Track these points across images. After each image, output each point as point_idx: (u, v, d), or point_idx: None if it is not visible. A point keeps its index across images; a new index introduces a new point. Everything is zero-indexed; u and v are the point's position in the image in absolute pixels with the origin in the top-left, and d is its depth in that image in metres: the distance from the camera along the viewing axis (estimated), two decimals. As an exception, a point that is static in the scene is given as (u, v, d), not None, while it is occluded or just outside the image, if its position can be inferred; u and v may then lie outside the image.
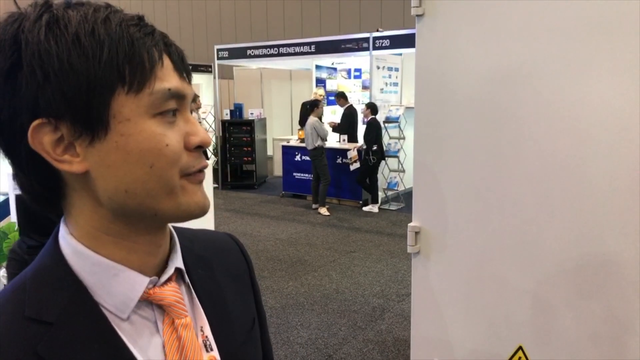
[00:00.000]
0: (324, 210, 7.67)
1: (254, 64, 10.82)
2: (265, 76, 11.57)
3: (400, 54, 8.56)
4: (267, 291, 4.67)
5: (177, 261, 0.62)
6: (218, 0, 13.20)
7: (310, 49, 8.82)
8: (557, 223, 1.60)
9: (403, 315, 4.18)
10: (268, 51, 9.35)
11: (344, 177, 8.17)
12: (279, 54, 9.23)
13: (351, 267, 5.34)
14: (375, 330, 3.95)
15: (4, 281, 2.63)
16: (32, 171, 0.54)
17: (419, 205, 1.90)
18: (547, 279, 1.64)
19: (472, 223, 1.78)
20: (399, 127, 7.83)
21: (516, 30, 1.61)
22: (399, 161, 7.90)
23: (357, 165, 7.78)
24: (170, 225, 0.63)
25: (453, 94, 1.75)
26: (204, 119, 9.89)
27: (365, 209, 7.88)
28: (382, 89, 8.38)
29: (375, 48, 8.01)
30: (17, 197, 2.57)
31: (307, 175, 8.52)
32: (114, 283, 0.56)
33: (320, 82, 10.01)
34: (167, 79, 0.54)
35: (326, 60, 9.67)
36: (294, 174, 8.79)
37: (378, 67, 8.21)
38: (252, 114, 9.73)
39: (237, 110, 9.82)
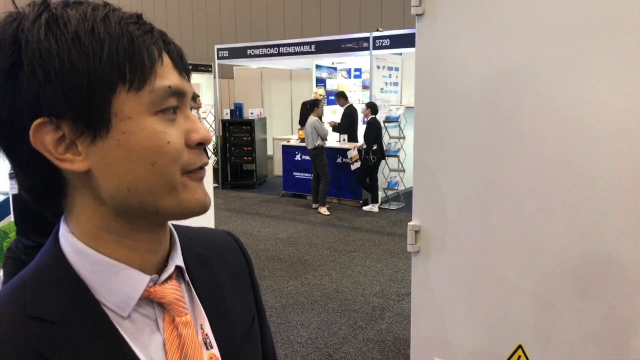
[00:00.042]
0: (324, 210, 7.67)
1: (254, 64, 10.82)
2: (266, 76, 11.57)
3: (400, 54, 8.56)
4: (267, 290, 4.67)
5: (178, 259, 0.62)
6: (218, 0, 13.20)
7: (310, 48, 8.82)
8: (557, 222, 1.60)
9: (403, 314, 4.18)
10: (268, 51, 9.35)
11: (344, 176, 8.17)
12: (279, 54, 9.24)
13: (351, 267, 5.34)
14: (375, 329, 3.95)
15: (1, 279, 2.63)
16: (33, 170, 0.54)
17: (419, 204, 1.90)
18: (547, 278, 1.65)
19: (472, 222, 1.78)
20: (399, 126, 7.83)
21: (516, 30, 1.61)
22: (399, 161, 7.90)
23: (358, 164, 7.78)
24: (169, 223, 0.63)
25: (453, 93, 1.75)
26: (204, 118, 9.89)
27: (365, 208, 7.88)
28: (382, 89, 8.38)
29: (375, 48, 8.01)
30: (15, 197, 2.57)
31: (307, 174, 8.52)
32: (114, 281, 0.56)
33: (321, 81, 10.00)
34: (167, 76, 0.54)
35: (326, 59, 9.67)
36: (294, 173, 8.79)
37: (378, 67, 8.21)
38: (252, 113, 9.73)
39: (237, 109, 9.81)
